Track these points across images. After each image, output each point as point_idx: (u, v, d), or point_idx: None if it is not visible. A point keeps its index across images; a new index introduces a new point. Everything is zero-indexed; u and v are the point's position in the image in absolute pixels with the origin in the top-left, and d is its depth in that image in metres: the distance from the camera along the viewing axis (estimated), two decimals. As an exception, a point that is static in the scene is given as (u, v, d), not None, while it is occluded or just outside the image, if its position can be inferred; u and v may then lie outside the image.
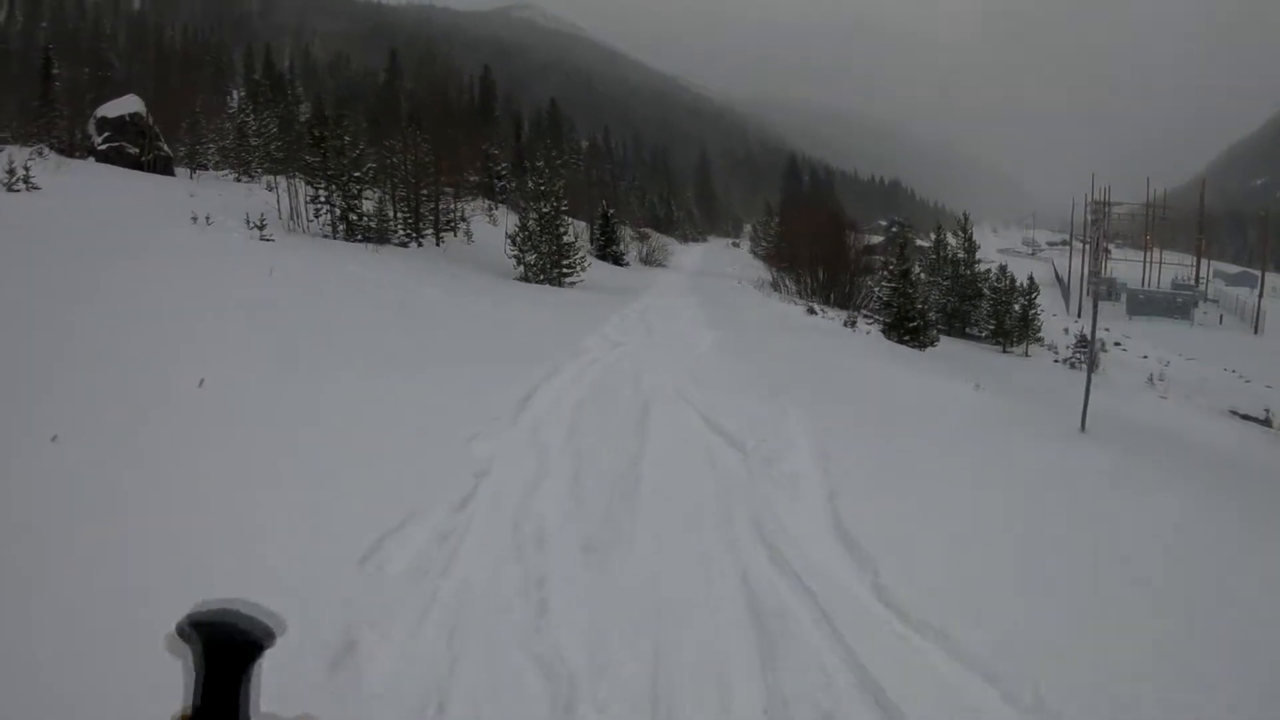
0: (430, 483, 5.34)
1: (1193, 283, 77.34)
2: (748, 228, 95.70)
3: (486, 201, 43.06)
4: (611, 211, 42.36)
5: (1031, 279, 39.20)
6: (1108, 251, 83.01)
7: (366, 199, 25.20)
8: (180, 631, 0.57)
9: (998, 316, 35.45)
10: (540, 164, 28.59)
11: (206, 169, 36.58)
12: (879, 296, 28.13)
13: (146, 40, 59.22)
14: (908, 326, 26.67)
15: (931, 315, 30.06)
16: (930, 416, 9.10)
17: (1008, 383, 18.89)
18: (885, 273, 28.72)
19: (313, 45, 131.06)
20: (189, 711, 0.59)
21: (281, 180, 25.28)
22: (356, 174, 24.32)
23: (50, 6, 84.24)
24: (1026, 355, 34.32)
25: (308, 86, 75.89)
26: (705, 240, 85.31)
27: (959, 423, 8.93)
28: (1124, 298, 68.29)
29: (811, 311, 22.72)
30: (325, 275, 14.84)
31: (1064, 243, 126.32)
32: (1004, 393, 12.76)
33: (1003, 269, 39.69)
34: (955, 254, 39.84)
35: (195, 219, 17.90)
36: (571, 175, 54.83)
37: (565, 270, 26.01)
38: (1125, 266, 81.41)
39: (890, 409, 9.25)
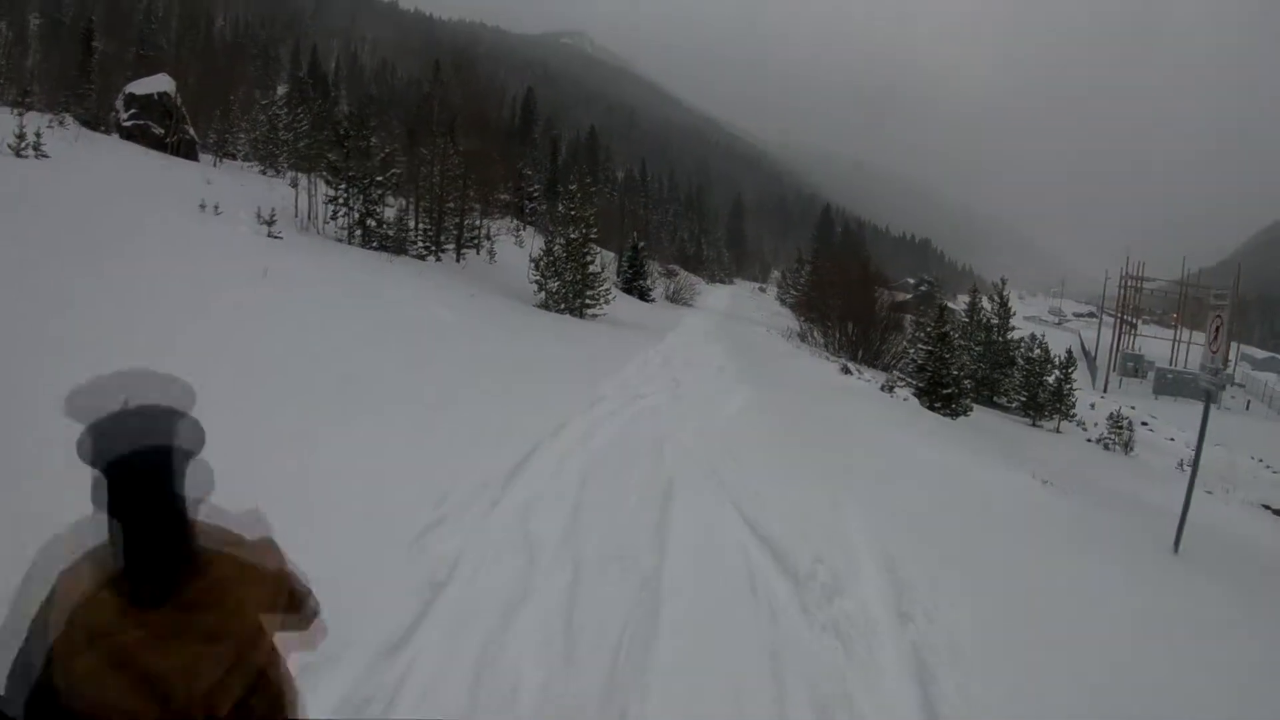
0: (358, 603, 3.70)
1: (1220, 365, 75.67)
2: (776, 274, 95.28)
3: (515, 222, 42.02)
4: (642, 244, 41.02)
5: (1070, 352, 37.92)
6: (1133, 326, 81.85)
7: (388, 206, 24.05)
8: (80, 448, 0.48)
9: (1030, 388, 34.06)
10: (573, 187, 27.37)
11: (234, 158, 36.11)
12: (913, 359, 26.63)
13: (197, 26, 58.93)
14: (941, 393, 25.24)
15: (966, 383, 28.55)
16: (1002, 522, 7.59)
17: (1050, 466, 17.45)
18: (921, 334, 27.24)
19: (361, 50, 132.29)
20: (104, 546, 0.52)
21: (304, 178, 24.20)
22: (380, 178, 23.14)
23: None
24: (1059, 431, 32.87)
25: (351, 89, 75.83)
26: (733, 283, 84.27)
27: (1040, 533, 7.43)
28: (1151, 376, 67.15)
29: (846, 371, 21.22)
30: (328, 282, 13.51)
31: (1091, 314, 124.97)
32: (1064, 485, 11.19)
33: (1032, 338, 38.41)
34: (989, 319, 38.44)
35: (204, 207, 16.87)
36: (604, 204, 53.99)
37: (588, 301, 24.71)
38: (1154, 344, 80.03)
39: (953, 506, 7.75)
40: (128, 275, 8.69)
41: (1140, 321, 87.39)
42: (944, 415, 23.19)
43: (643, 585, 4.53)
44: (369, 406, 7.13)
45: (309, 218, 22.04)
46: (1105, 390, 58.55)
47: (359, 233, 22.63)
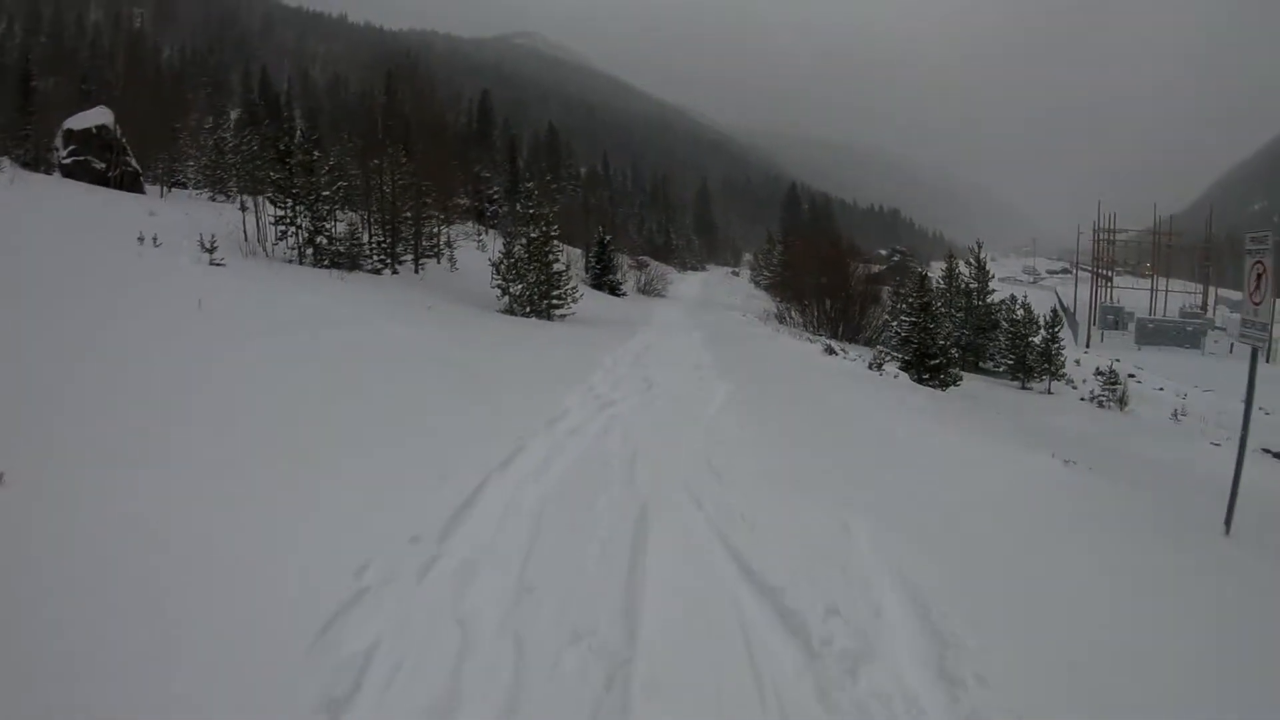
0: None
1: (1201, 311, 76.03)
2: (747, 257, 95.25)
3: (476, 227, 40.94)
4: (608, 238, 39.89)
5: (1054, 311, 37.46)
6: (1108, 279, 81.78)
7: (340, 221, 22.90)
8: None
9: (1017, 350, 33.38)
10: (530, 184, 26.28)
11: (184, 187, 35.03)
12: (897, 332, 25.73)
13: (142, 58, 57.46)
14: (929, 364, 24.40)
15: (953, 352, 27.73)
16: (1038, 522, 6.56)
17: (1060, 436, 16.59)
18: (903, 306, 26.34)
19: (312, 68, 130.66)
20: None
21: (253, 201, 23.03)
22: (326, 193, 21.95)
23: (50, 22, 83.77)
24: (1050, 393, 32.17)
25: (304, 107, 74.60)
26: (705, 269, 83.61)
27: (1081, 529, 6.41)
28: (1133, 327, 67.34)
29: (830, 351, 20.19)
30: (269, 308, 12.35)
31: (1065, 270, 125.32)
32: (1085, 461, 10.20)
33: (1012, 299, 37.95)
34: (968, 284, 37.80)
35: (142, 239, 15.66)
36: (568, 201, 53.16)
37: (555, 302, 23.65)
38: (1131, 295, 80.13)
39: (977, 506, 6.71)
40: (43, 321, 7.57)
41: (1114, 274, 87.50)
42: (934, 387, 22.36)
43: (609, 680, 3.44)
44: (295, 448, 6.00)
45: (258, 241, 20.85)
46: (1088, 345, 58.27)
47: (309, 252, 21.43)
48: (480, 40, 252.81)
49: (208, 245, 16.40)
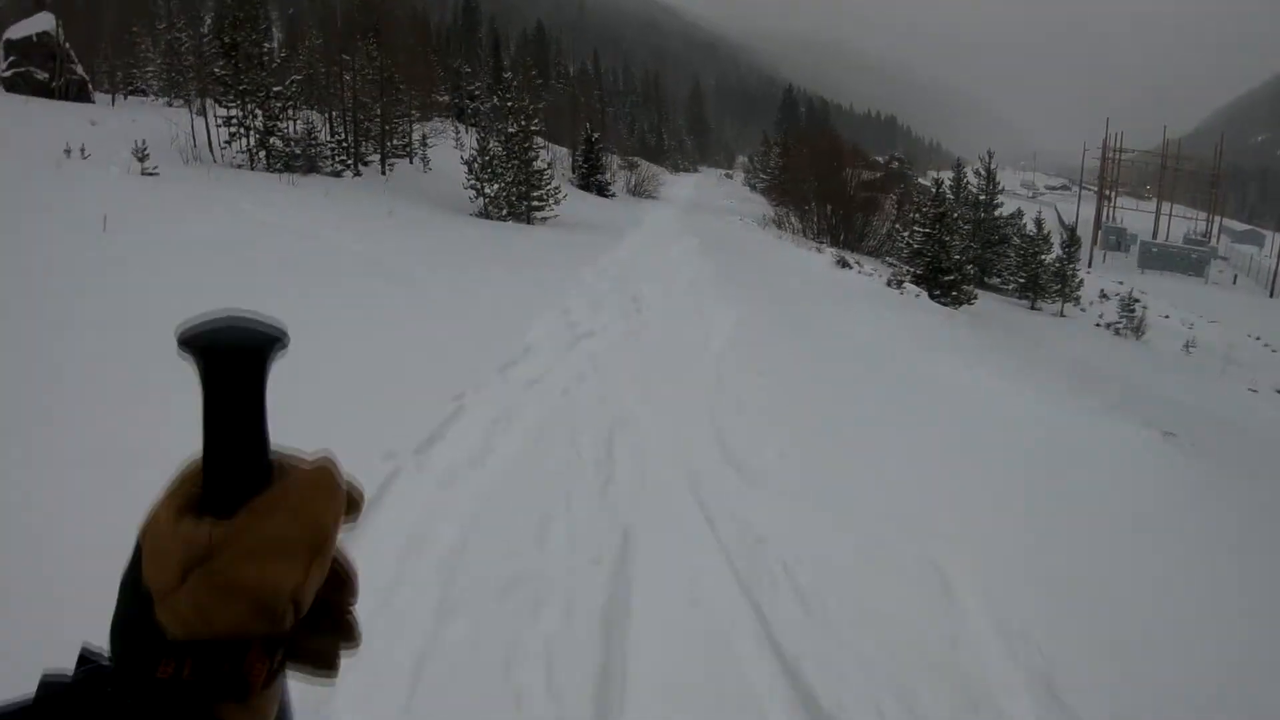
0: None
1: (1205, 238, 74.16)
2: (741, 159, 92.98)
3: (455, 125, 38.14)
4: (596, 136, 37.01)
5: (1072, 231, 35.51)
6: (1109, 199, 79.44)
7: (297, 120, 20.46)
8: (184, 343, 0.54)
9: (1028, 269, 31.49)
10: (507, 75, 23.71)
11: (145, 94, 32.36)
12: (909, 243, 23.60)
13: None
14: (942, 280, 22.40)
15: (969, 268, 25.74)
16: (1188, 543, 4.70)
17: (1089, 371, 14.82)
18: (916, 216, 24.17)
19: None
20: (182, 472, 0.55)
21: (203, 102, 20.55)
22: (278, 88, 19.40)
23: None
24: (1062, 315, 30.44)
25: (284, 13, 70.11)
26: (698, 171, 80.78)
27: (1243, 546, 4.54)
28: (1135, 249, 65.63)
29: (844, 264, 17.99)
30: (196, 221, 10.12)
31: (1065, 187, 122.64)
32: (1184, 432, 8.24)
33: (1019, 213, 36.18)
34: (977, 196, 35.65)
35: (69, 152, 13.60)
36: (556, 99, 50.34)
37: (535, 203, 21.36)
38: (1132, 217, 78.08)
39: (1099, 521, 4.82)
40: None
41: (1117, 194, 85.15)
42: (946, 304, 20.43)
43: None
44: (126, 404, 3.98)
45: (209, 147, 18.46)
46: (1090, 265, 56.37)
47: (262, 155, 18.99)
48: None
49: (140, 153, 14.16)
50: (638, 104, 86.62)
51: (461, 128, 38.40)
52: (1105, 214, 75.57)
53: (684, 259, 15.15)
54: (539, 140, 22.31)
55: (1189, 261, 63.00)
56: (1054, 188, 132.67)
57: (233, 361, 0.50)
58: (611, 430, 5.09)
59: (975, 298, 23.08)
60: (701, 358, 7.22)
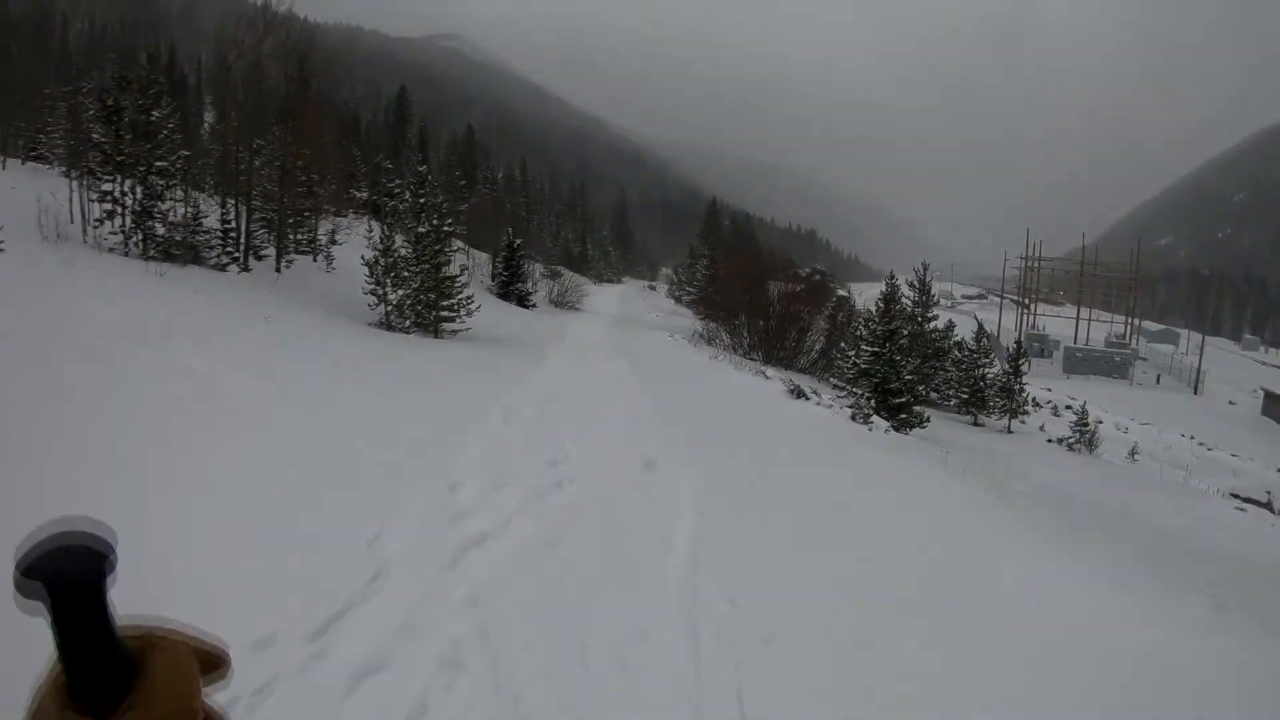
0: None
1: (1125, 340, 75.62)
2: (665, 271, 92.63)
3: (370, 222, 35.87)
4: (518, 242, 34.86)
5: (1019, 344, 34.60)
6: (1027, 307, 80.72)
7: (180, 202, 17.78)
8: (19, 585, 0.54)
9: (970, 384, 30.09)
10: (422, 168, 21.50)
11: (48, 162, 29.34)
12: (855, 363, 21.65)
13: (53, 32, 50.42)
14: (892, 402, 20.45)
15: (920, 388, 23.94)
16: None
17: (1064, 497, 12.88)
18: (863, 333, 22.34)
19: (230, 55, 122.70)
20: (57, 663, 0.57)
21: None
22: (162, 163, 16.76)
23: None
24: (1010, 431, 28.93)
25: (216, 94, 68.23)
26: (621, 282, 79.69)
27: None
28: (1059, 355, 66.60)
29: (799, 394, 15.64)
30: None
31: (981, 296, 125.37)
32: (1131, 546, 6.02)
33: (950, 325, 35.08)
34: (911, 309, 34.48)
35: None
36: (481, 201, 48.75)
37: (444, 314, 18.91)
38: (1053, 323, 79.38)
39: None
40: None
41: (1036, 301, 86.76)
42: (898, 430, 18.35)
43: None
44: None
45: (84, 224, 15.86)
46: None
47: (137, 239, 16.19)
48: (408, 40, 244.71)
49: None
50: (563, 213, 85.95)
51: (377, 225, 36.18)
52: (1026, 321, 76.56)
53: (615, 387, 12.70)
54: (456, 243, 20.01)
55: (1112, 364, 64.13)
56: (970, 297, 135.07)
57: (74, 594, 0.53)
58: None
59: (928, 419, 21.18)
60: (662, 593, 4.56)
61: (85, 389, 6.16)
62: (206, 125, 22.99)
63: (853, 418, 14.18)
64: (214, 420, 6.41)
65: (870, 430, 13.44)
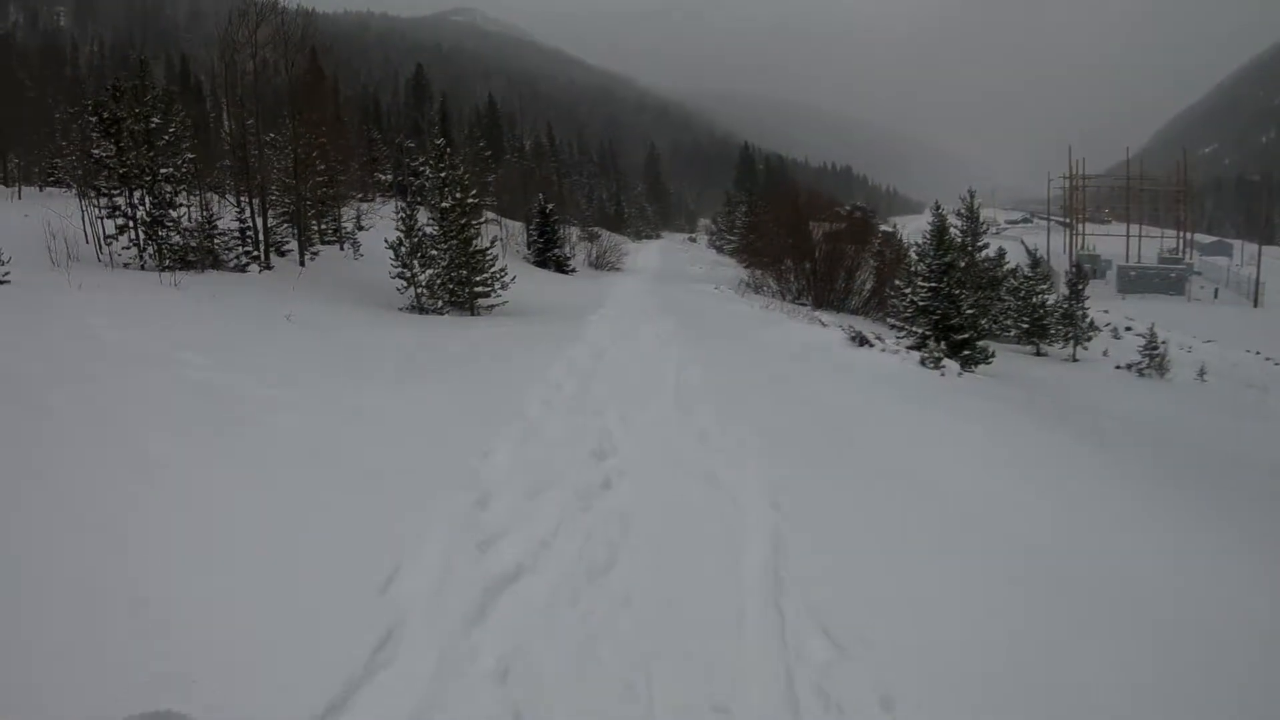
0: None
1: (1180, 256, 72.82)
2: (704, 221, 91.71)
3: (399, 204, 35.31)
4: (550, 207, 34.01)
5: (1079, 267, 33.00)
6: (1070, 227, 77.85)
7: (195, 208, 17.17)
8: None
9: (1029, 312, 28.76)
10: (440, 141, 20.71)
11: (67, 186, 29.54)
12: (913, 300, 20.49)
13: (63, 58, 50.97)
14: (954, 339, 19.29)
15: (983, 323, 22.75)
16: None
17: (1155, 432, 11.77)
18: (920, 268, 21.14)
19: (241, 55, 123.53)
20: None
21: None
22: (167, 170, 16.07)
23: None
24: (1075, 359, 27.60)
25: (221, 93, 68.55)
26: (660, 237, 78.92)
27: None
28: (1113, 275, 64.14)
29: (862, 341, 14.62)
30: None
31: (1026, 220, 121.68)
32: None
33: (1000, 252, 34.19)
34: (961, 238, 33.21)
35: None
36: (510, 172, 48.21)
37: (479, 289, 18.18)
38: (1103, 242, 76.62)
39: None
40: None
41: (1084, 221, 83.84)
42: (962, 367, 17.26)
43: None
44: None
45: (98, 244, 15.35)
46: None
47: (150, 250, 15.58)
48: (417, 19, 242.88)
49: None
50: (595, 174, 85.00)
51: (405, 206, 35.72)
52: (1075, 242, 73.89)
53: (662, 352, 11.82)
54: (488, 214, 19.23)
55: (1168, 281, 61.80)
56: (1014, 222, 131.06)
57: None
58: None
59: (994, 355, 20.01)
60: (743, 640, 3.57)
61: (69, 421, 5.47)
62: (226, 128, 22.80)
63: (922, 362, 13.21)
64: (214, 443, 5.69)
65: (943, 376, 12.47)
